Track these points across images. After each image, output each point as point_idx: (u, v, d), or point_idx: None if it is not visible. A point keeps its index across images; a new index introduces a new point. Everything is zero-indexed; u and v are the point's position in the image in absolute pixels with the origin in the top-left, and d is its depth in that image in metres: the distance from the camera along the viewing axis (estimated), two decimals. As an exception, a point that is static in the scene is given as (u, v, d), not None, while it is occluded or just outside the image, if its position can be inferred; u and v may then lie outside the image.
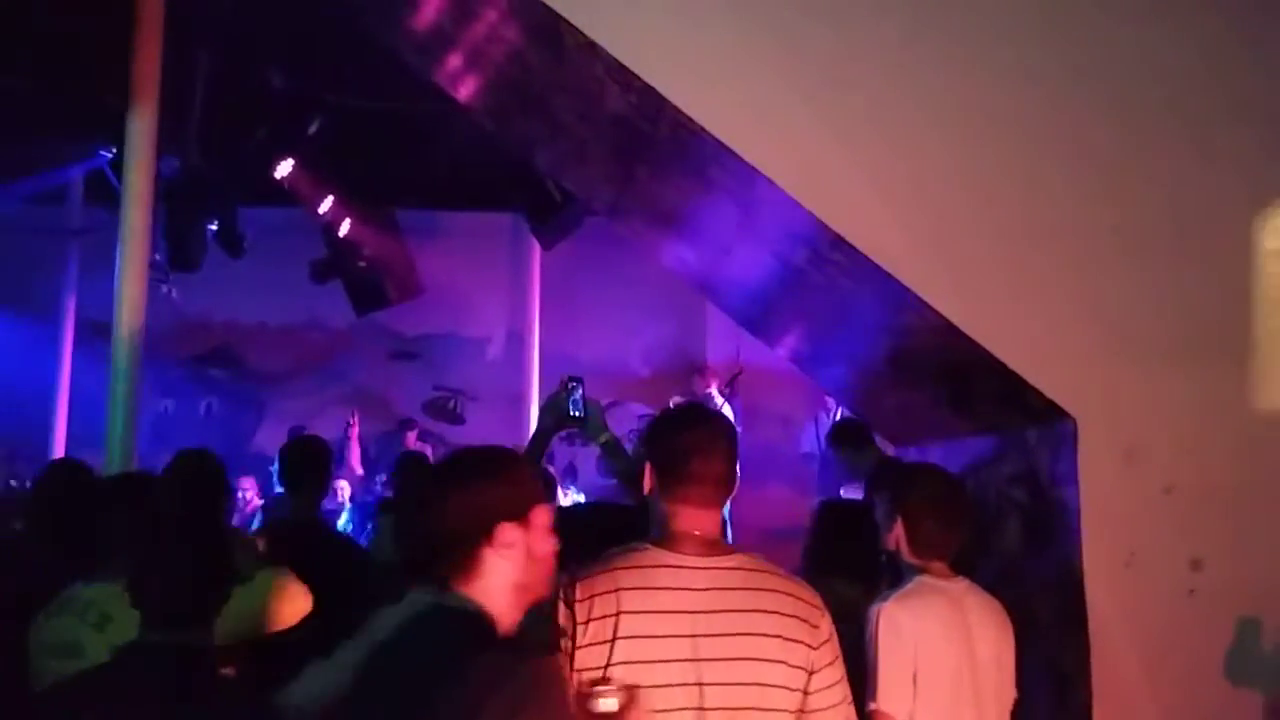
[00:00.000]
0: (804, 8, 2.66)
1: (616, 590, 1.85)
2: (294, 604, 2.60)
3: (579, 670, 1.81)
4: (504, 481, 1.72)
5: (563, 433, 3.26)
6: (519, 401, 9.53)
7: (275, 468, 3.85)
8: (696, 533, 1.93)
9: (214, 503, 2.97)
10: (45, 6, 5.44)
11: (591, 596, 1.85)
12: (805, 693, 1.88)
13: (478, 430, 9.79)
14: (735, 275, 3.55)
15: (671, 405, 7.89)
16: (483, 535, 1.66)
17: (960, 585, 2.46)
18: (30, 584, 2.57)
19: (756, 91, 2.64)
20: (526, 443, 3.23)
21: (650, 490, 1.99)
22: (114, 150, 5.55)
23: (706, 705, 1.82)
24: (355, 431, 8.46)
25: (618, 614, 1.82)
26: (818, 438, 8.21)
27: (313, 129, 6.94)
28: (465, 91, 3.61)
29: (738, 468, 2.02)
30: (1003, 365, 2.68)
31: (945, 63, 2.73)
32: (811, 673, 1.88)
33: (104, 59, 4.98)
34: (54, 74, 6.25)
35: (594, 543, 1.99)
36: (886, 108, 2.70)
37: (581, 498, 7.73)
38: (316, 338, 10.34)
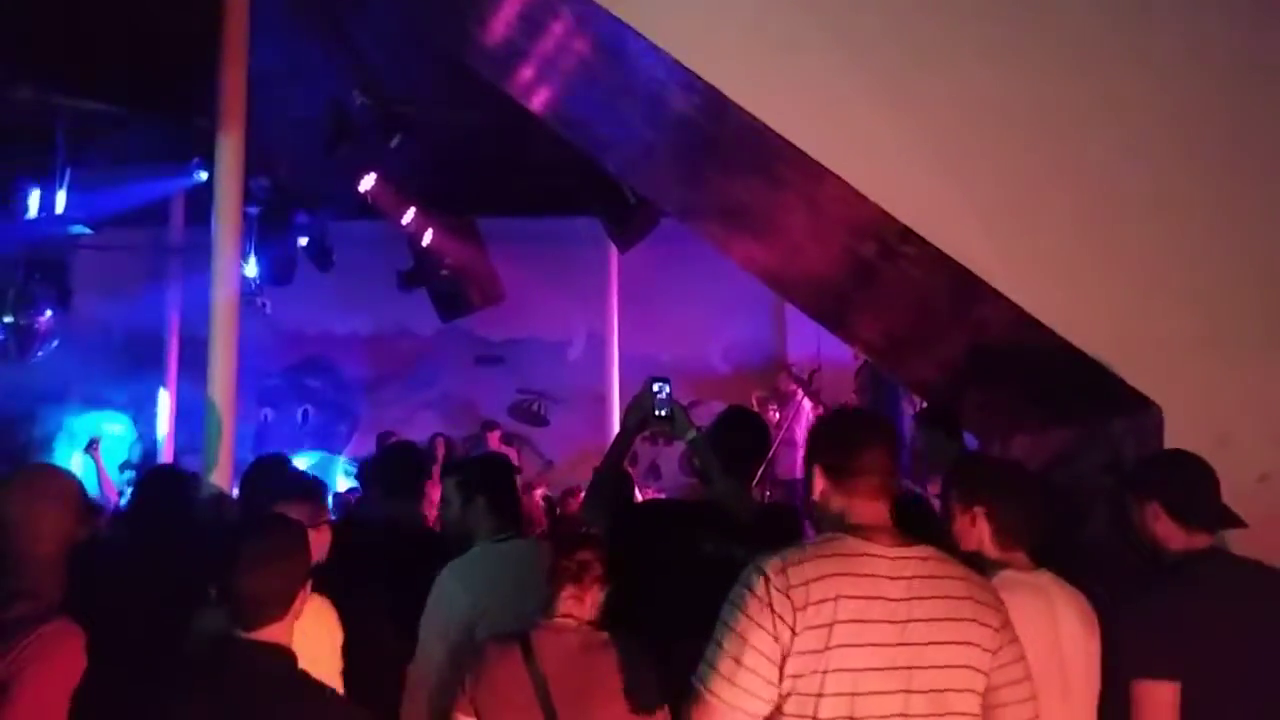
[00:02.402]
0: (864, 2, 2.65)
1: (834, 575, 1.89)
2: (332, 636, 2.58)
3: (798, 654, 1.85)
4: None
5: (647, 432, 3.31)
6: (600, 402, 9.62)
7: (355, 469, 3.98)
8: (880, 523, 1.99)
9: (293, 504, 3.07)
10: (132, 29, 5.70)
11: (806, 582, 1.88)
12: (992, 670, 1.95)
13: (561, 431, 9.92)
14: (807, 272, 3.54)
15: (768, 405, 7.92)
16: None
17: (1044, 577, 2.40)
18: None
19: (819, 87, 2.63)
20: (609, 444, 3.29)
21: (822, 492, 2.06)
22: (209, 172, 5.80)
23: (915, 687, 1.89)
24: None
25: (837, 599, 1.87)
26: (901, 433, 8.09)
27: (394, 143, 7.13)
28: (538, 101, 3.69)
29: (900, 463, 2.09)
30: (1082, 354, 2.62)
31: (1019, 45, 2.69)
32: (996, 652, 1.96)
33: (193, 82, 5.20)
34: (145, 98, 6.55)
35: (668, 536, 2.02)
36: (955, 95, 2.67)
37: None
38: (405, 345, 10.62)
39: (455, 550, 3.07)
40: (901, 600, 1.91)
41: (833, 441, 2.10)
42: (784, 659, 1.87)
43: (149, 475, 3.77)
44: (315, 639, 2.38)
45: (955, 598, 1.95)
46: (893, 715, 1.89)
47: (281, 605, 2.05)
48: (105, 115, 6.78)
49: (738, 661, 1.88)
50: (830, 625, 1.87)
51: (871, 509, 2.01)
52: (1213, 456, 2.58)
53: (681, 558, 2.82)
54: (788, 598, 1.87)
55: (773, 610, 1.87)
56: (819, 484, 2.07)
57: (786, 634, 1.87)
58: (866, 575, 1.91)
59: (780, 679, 1.88)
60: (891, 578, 1.92)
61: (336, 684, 2.40)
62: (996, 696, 1.97)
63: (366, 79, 6.71)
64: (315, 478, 3.22)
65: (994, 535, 2.42)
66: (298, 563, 2.11)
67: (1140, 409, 2.65)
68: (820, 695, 1.87)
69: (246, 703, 1.98)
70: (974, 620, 1.95)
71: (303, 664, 2.11)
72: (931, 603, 1.93)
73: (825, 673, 1.86)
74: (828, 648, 1.86)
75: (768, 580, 1.89)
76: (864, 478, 2.01)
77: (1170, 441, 2.60)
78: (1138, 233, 2.67)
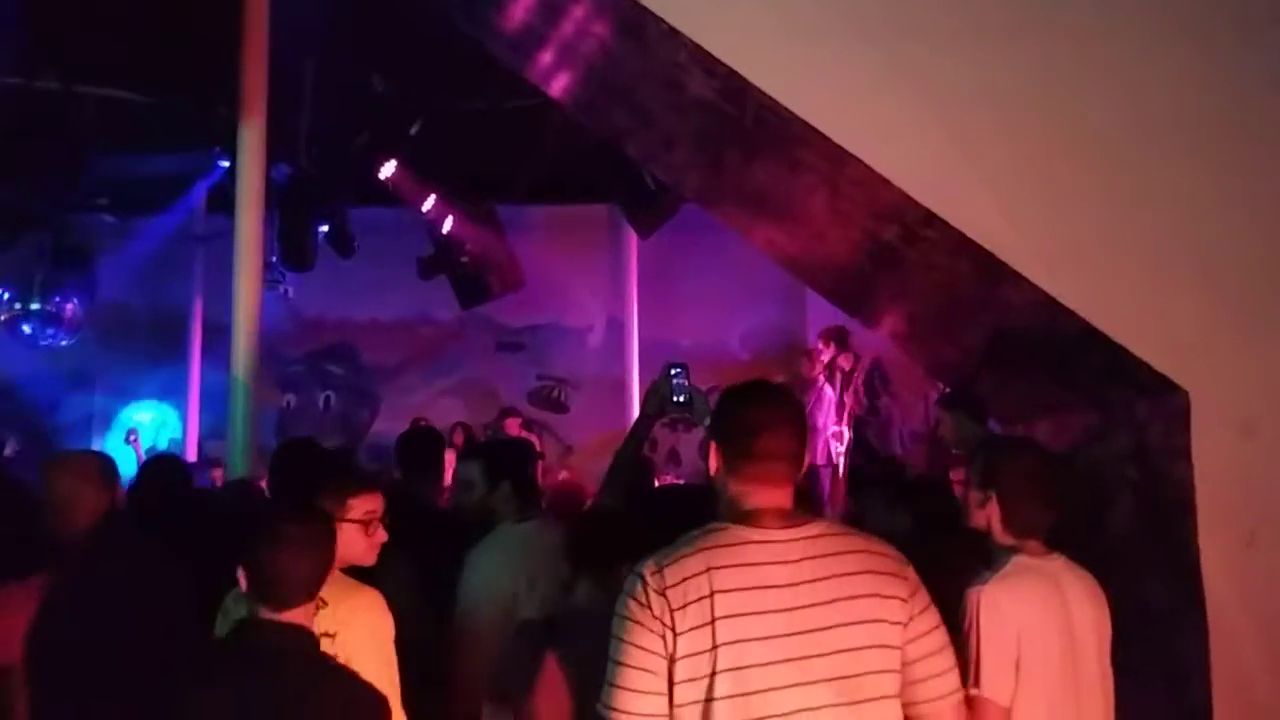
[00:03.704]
0: (887, -17, 2.62)
1: (708, 570, 1.80)
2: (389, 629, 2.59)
3: (684, 656, 1.77)
4: None
5: (666, 418, 3.33)
6: (620, 388, 9.64)
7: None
8: (773, 507, 1.89)
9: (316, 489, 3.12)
10: (155, 19, 5.74)
11: (683, 580, 1.80)
12: (905, 644, 1.85)
13: (581, 417, 9.95)
14: (828, 256, 3.52)
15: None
16: None
17: (1056, 563, 2.38)
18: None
19: (841, 71, 2.61)
20: (629, 429, 3.31)
21: (717, 470, 1.95)
22: (231, 160, 5.85)
23: (815, 677, 1.78)
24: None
25: (712, 594, 1.78)
26: (927, 418, 8.05)
27: (414, 130, 7.14)
28: (557, 87, 3.68)
29: (806, 444, 1.97)
30: (1107, 338, 2.59)
31: (1042, 26, 2.65)
32: (908, 623, 1.85)
33: (214, 70, 5.23)
34: (168, 87, 6.60)
35: (680, 525, 2.01)
36: (977, 77, 2.63)
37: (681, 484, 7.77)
38: (426, 332, 10.67)
39: (474, 532, 3.12)
40: (788, 586, 1.80)
41: (728, 421, 1.97)
42: (671, 663, 1.77)
43: (149, 464, 3.86)
44: (369, 629, 2.40)
45: (851, 574, 1.83)
46: (795, 711, 1.77)
47: (311, 591, 2.12)
48: (129, 104, 6.83)
49: (629, 667, 1.79)
50: (711, 623, 1.76)
51: (768, 495, 1.89)
52: (1239, 441, 2.56)
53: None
54: (665, 598, 1.78)
55: (653, 613, 1.78)
56: (714, 462, 1.96)
57: (670, 636, 1.77)
58: (747, 565, 1.81)
59: (671, 685, 1.77)
60: (777, 563, 1.81)
61: (392, 677, 2.41)
62: (913, 671, 1.85)
63: (387, 66, 6.72)
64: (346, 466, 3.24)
65: (1005, 521, 2.40)
66: (329, 552, 2.19)
67: (1166, 394, 2.62)
68: (711, 700, 1.76)
69: (274, 681, 2.02)
70: (875, 595, 1.83)
71: (364, 654, 2.22)
72: (824, 583, 1.81)
73: (713, 674, 1.76)
74: (714, 647, 1.76)
75: (645, 583, 1.81)
76: (760, 462, 1.89)
77: (1196, 427, 2.57)
78: (1163, 215, 2.63)
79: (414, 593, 3.00)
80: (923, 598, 1.90)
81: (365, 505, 2.58)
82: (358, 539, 2.55)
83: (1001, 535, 2.39)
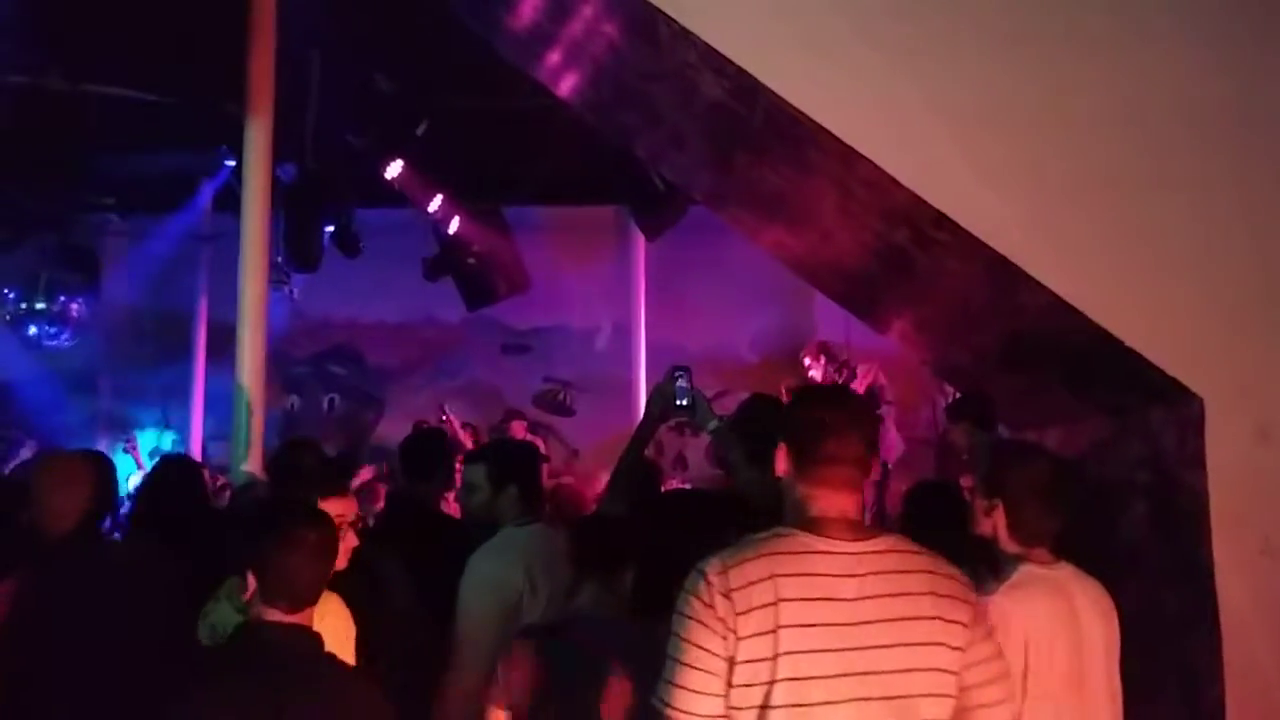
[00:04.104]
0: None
1: (772, 577, 1.78)
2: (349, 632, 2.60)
3: (744, 661, 1.76)
4: None
5: (671, 422, 3.32)
6: (626, 392, 9.59)
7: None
8: (840, 516, 1.87)
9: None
10: (160, 17, 5.74)
11: (748, 584, 1.78)
12: (963, 669, 1.83)
13: (586, 421, 9.91)
14: (838, 259, 3.49)
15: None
16: None
17: (1064, 571, 2.35)
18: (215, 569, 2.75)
19: (852, 71, 2.59)
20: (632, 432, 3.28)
21: (785, 473, 1.94)
22: (237, 160, 5.84)
23: (871, 694, 1.77)
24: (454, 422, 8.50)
25: (777, 602, 1.76)
26: (935, 423, 8.01)
27: (421, 130, 7.12)
28: (566, 87, 3.66)
29: (876, 449, 1.96)
30: (1121, 344, 2.56)
31: (1054, 29, 2.63)
32: (968, 649, 1.83)
33: (221, 70, 5.22)
34: (174, 86, 6.60)
35: (687, 529, 1.99)
36: (988, 80, 2.61)
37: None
38: (431, 333, 10.64)
39: (478, 535, 3.10)
40: (853, 600, 1.78)
41: (799, 422, 1.96)
42: (731, 665, 1.76)
43: (162, 465, 3.85)
44: (333, 632, 2.40)
45: (915, 594, 1.81)
46: None
47: (318, 593, 2.14)
48: (135, 103, 6.82)
49: (689, 666, 1.78)
50: (774, 631, 1.75)
51: (835, 500, 1.87)
52: (1254, 448, 2.53)
53: (707, 549, 2.79)
54: (729, 600, 1.77)
55: (717, 614, 1.77)
56: (782, 464, 1.95)
57: (731, 638, 1.76)
58: (814, 575, 1.79)
59: (728, 687, 1.76)
60: (843, 576, 1.79)
61: None
62: (967, 698, 1.83)
63: (394, 65, 6.71)
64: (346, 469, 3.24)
65: (1011, 529, 2.37)
66: (335, 555, 2.23)
67: (1180, 400, 2.59)
68: (767, 707, 1.75)
69: (292, 682, 2.02)
70: (937, 617, 1.81)
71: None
72: (888, 601, 1.79)
73: (772, 683, 1.75)
74: (775, 655, 1.75)
75: (709, 583, 1.80)
76: (829, 466, 1.87)
77: (1210, 433, 2.54)
78: (1178, 220, 2.60)
79: (413, 597, 2.99)
80: (984, 624, 1.89)
81: (334, 509, 2.59)
82: None
83: (1008, 543, 2.36)
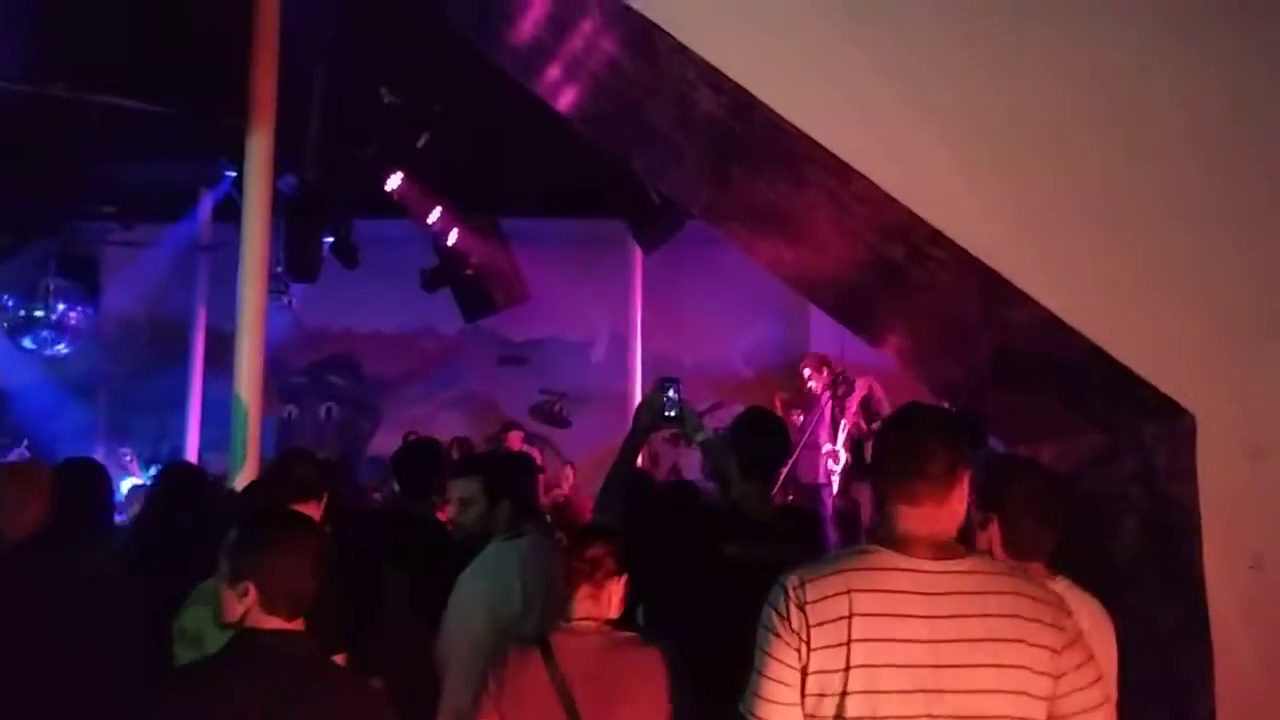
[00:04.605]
0: (891, 5, 2.63)
1: (848, 592, 1.82)
2: None
3: (816, 672, 1.81)
4: None
5: (666, 434, 3.32)
6: (623, 404, 9.60)
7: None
8: (925, 534, 1.89)
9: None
10: (163, 28, 5.77)
11: (824, 598, 1.82)
12: (1055, 698, 1.83)
13: (582, 433, 9.92)
14: (833, 274, 3.52)
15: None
16: None
17: (1060, 586, 2.36)
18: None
19: (848, 87, 2.61)
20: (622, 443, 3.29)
21: (873, 496, 2.04)
22: (237, 170, 5.88)
23: (944, 713, 1.79)
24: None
25: (850, 616, 1.80)
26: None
27: (421, 142, 7.16)
28: (565, 101, 3.69)
29: (962, 464, 1.94)
30: (1113, 360, 2.58)
31: (1047, 46, 2.66)
32: (1058, 677, 1.83)
33: (223, 80, 5.25)
34: (176, 96, 6.63)
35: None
36: (984, 97, 2.63)
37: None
38: (429, 344, 10.67)
39: (471, 549, 3.09)
40: (929, 618, 1.81)
41: (879, 440, 2.01)
42: (804, 675, 1.82)
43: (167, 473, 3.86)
44: None
45: (997, 616, 1.82)
46: None
47: (312, 601, 2.14)
48: (137, 113, 6.85)
49: (769, 678, 1.85)
50: (846, 644, 1.80)
51: (917, 518, 1.89)
52: (1245, 464, 2.55)
53: (703, 560, 2.81)
54: (803, 612, 1.83)
55: (790, 625, 1.84)
56: (874, 486, 2.02)
57: (804, 650, 1.82)
58: (890, 591, 1.82)
59: (803, 696, 1.82)
60: (921, 593, 1.82)
61: None
62: (1062, 706, 1.84)
63: (395, 78, 6.74)
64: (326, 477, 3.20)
65: (1006, 543, 2.38)
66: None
67: (1172, 416, 2.61)
68: (841, 718, 1.80)
69: (294, 688, 2.03)
70: (1020, 641, 1.81)
71: None
72: (967, 621, 1.81)
73: (844, 694, 1.80)
74: (847, 668, 1.79)
75: (788, 596, 1.86)
76: (903, 483, 1.90)
77: (1202, 450, 2.56)
78: (1172, 237, 2.63)
79: (408, 611, 2.98)
80: (1080, 652, 1.87)
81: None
82: None
83: (1003, 557, 2.37)
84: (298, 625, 2.11)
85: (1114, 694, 2.34)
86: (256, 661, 2.06)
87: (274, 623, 2.08)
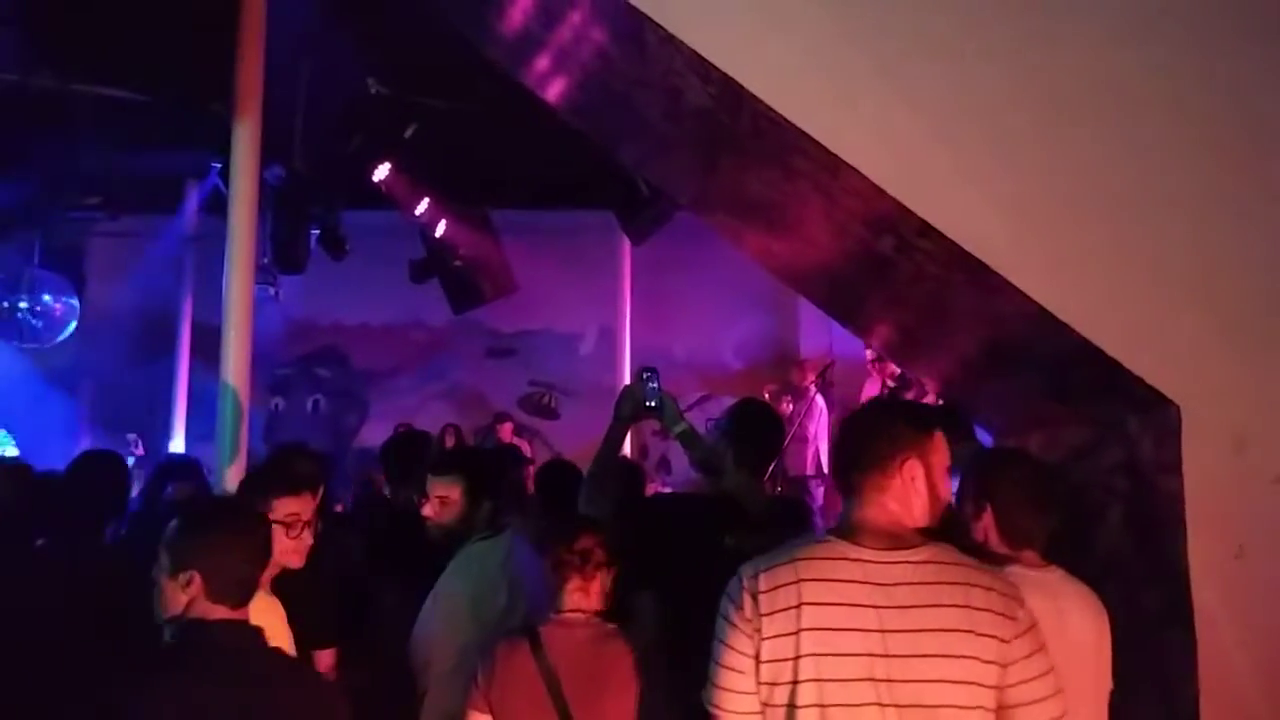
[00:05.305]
0: (884, -6, 2.63)
1: (798, 582, 1.85)
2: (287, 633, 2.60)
3: (767, 661, 1.84)
4: None
5: (656, 428, 3.33)
6: (611, 396, 9.56)
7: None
8: (882, 524, 1.91)
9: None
10: (149, 17, 5.73)
11: (775, 588, 1.86)
12: (1003, 687, 1.84)
13: (571, 424, 9.93)
14: (821, 266, 3.52)
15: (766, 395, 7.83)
16: None
17: (1054, 574, 2.38)
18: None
19: (837, 79, 2.61)
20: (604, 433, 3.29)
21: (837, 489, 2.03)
22: (223, 161, 5.84)
23: (893, 702, 1.80)
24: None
25: (800, 605, 1.83)
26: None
27: (408, 133, 7.13)
28: (553, 92, 3.68)
29: (901, 451, 1.96)
30: (1100, 351, 2.60)
31: (1037, 38, 2.66)
32: (1006, 666, 1.84)
33: (209, 70, 5.22)
34: (162, 86, 6.58)
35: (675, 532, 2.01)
36: (973, 88, 2.64)
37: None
38: (417, 336, 10.64)
39: (448, 547, 3.05)
40: (878, 608, 1.83)
41: (837, 433, 2.08)
42: (758, 664, 1.85)
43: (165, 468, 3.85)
44: (274, 632, 2.40)
45: (948, 606, 1.84)
46: None
47: (256, 588, 2.15)
48: (123, 102, 6.80)
49: (726, 667, 1.88)
50: (796, 633, 1.83)
51: (862, 506, 1.93)
52: (1230, 455, 2.57)
53: (703, 552, 2.80)
54: (756, 602, 1.86)
55: (745, 614, 1.87)
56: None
57: (757, 637, 1.86)
58: (839, 580, 1.85)
59: (758, 685, 1.86)
60: (870, 583, 1.84)
61: None
62: (1009, 697, 1.86)
63: (383, 68, 6.71)
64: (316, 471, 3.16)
65: (1001, 533, 2.41)
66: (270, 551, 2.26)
67: (1157, 408, 2.63)
68: (794, 706, 1.82)
69: (243, 676, 2.02)
70: (969, 631, 1.83)
71: None
72: (915, 612, 1.83)
73: (794, 683, 1.83)
74: (797, 656, 1.82)
75: (742, 586, 1.90)
76: (852, 474, 1.95)
77: (1187, 441, 2.58)
78: (1158, 229, 2.64)
79: (397, 607, 2.98)
80: (1031, 643, 1.88)
81: (288, 508, 2.61)
82: (279, 539, 2.54)
83: (998, 546, 2.40)
84: (244, 614, 2.09)
85: (1109, 683, 2.37)
86: (212, 653, 2.03)
87: (220, 612, 2.05)
